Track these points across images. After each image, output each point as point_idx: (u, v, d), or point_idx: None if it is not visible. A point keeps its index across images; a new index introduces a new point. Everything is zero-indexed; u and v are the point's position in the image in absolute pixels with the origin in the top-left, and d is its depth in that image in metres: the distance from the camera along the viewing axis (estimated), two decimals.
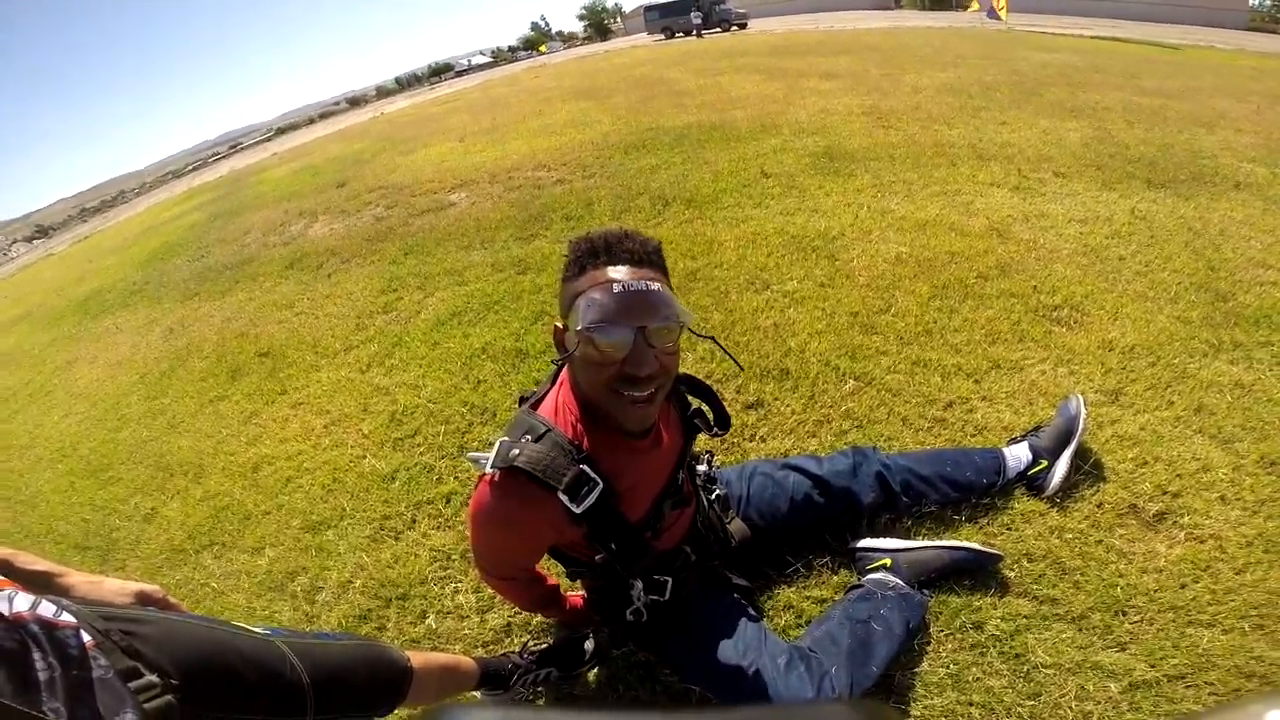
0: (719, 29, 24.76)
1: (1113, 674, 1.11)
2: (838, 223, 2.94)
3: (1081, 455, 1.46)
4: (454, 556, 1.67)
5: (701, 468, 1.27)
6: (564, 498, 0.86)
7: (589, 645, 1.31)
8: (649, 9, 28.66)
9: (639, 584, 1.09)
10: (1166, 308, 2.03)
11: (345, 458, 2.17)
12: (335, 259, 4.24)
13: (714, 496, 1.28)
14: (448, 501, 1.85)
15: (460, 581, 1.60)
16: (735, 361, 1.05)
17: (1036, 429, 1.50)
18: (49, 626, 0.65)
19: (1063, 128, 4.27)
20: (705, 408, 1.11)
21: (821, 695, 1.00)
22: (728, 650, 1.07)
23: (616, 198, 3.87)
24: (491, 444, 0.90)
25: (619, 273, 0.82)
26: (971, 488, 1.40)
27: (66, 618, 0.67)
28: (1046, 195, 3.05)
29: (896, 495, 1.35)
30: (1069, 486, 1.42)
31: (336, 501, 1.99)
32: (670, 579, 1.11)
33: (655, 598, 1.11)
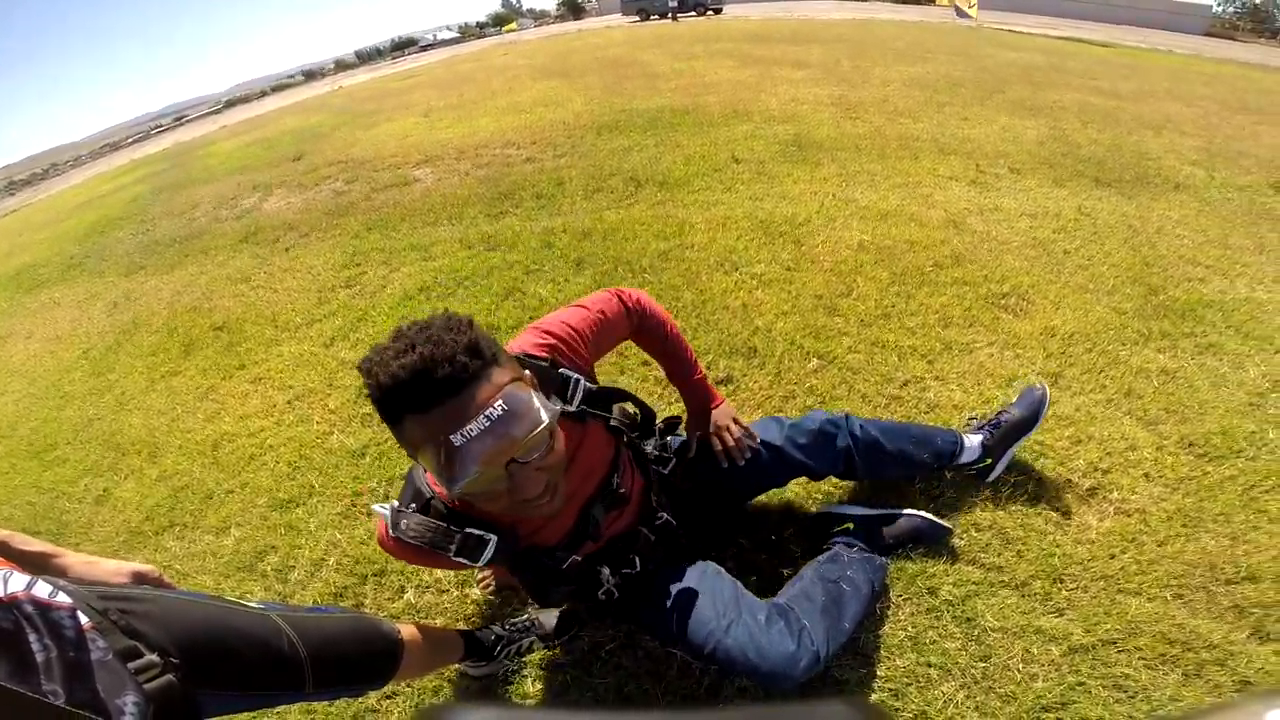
0: (694, 13, 24.60)
1: (1054, 638, 1.19)
2: (804, 209, 3.01)
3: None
4: None
5: (650, 444, 1.23)
6: (459, 559, 0.85)
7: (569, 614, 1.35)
8: None
9: (605, 570, 1.09)
10: (1104, 299, 2.17)
11: (311, 434, 2.13)
12: (293, 233, 4.10)
13: (667, 470, 1.26)
14: None
15: None
16: (646, 408, 1.09)
17: (998, 417, 1.48)
18: (44, 607, 0.64)
19: (1021, 125, 4.44)
20: (630, 406, 1.10)
21: (801, 649, 1.01)
22: (705, 611, 1.07)
23: (589, 177, 3.86)
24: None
25: (447, 421, 0.68)
26: (924, 467, 1.44)
27: (62, 598, 0.67)
28: (1001, 190, 3.19)
29: (857, 468, 1.35)
30: (1012, 461, 1.51)
31: (304, 479, 1.95)
32: (636, 556, 1.13)
33: (626, 571, 1.12)
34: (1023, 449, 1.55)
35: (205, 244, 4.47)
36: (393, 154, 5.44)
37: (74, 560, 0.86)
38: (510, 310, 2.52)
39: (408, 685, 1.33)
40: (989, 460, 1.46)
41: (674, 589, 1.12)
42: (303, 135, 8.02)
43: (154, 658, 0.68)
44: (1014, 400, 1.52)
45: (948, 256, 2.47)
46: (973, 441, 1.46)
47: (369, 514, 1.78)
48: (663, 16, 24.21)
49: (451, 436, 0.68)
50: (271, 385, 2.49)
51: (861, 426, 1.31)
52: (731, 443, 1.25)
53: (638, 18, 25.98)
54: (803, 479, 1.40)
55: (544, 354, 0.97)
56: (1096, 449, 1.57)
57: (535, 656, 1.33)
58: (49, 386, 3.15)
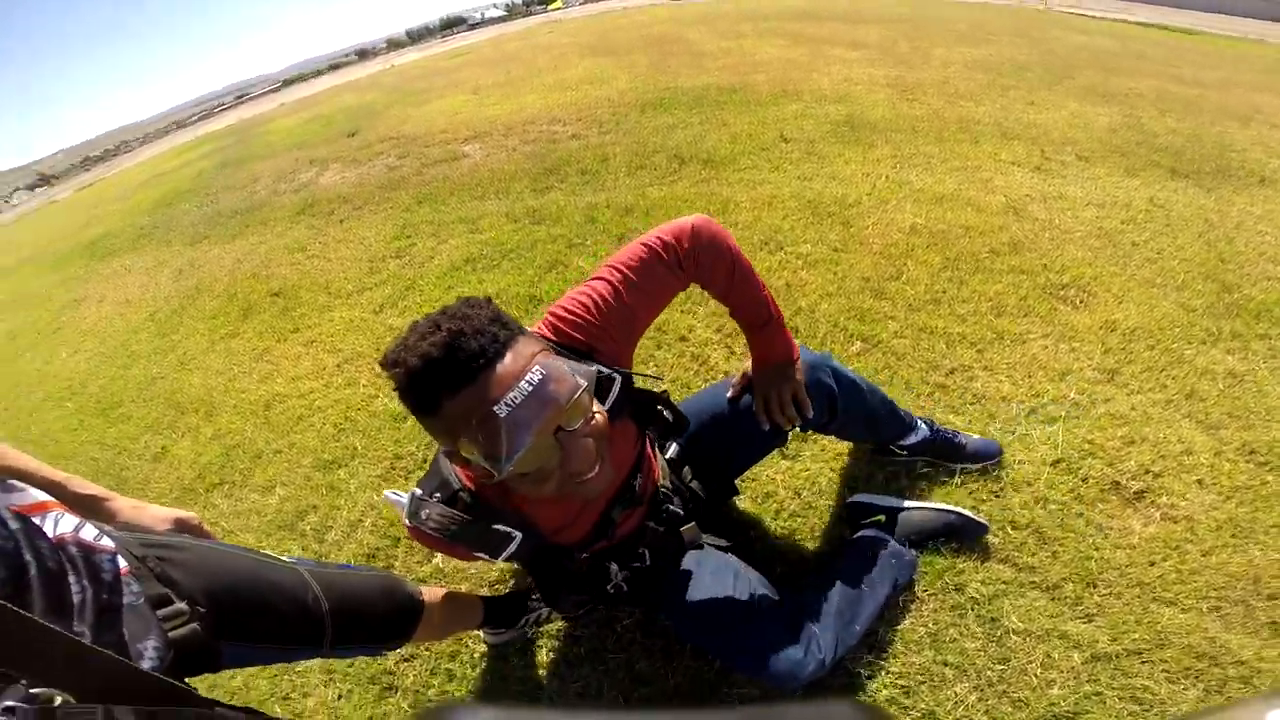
0: None
1: (1078, 644, 1.15)
2: (855, 190, 2.92)
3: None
4: None
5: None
6: (479, 554, 0.85)
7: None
8: None
9: (614, 565, 1.08)
10: (1172, 294, 2.04)
11: (358, 396, 2.21)
12: (347, 206, 4.23)
13: (668, 456, 1.20)
14: None
15: None
16: (680, 415, 0.96)
17: (954, 434, 1.45)
18: (88, 550, 0.68)
19: (1092, 112, 4.16)
20: (662, 409, 1.02)
21: (808, 657, 1.01)
22: (719, 615, 1.06)
23: (633, 154, 3.83)
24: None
25: (489, 391, 0.66)
26: (880, 437, 1.41)
27: (106, 542, 0.70)
28: (1067, 178, 3.01)
29: (837, 415, 1.18)
30: (1056, 460, 1.47)
31: (348, 440, 2.03)
32: (645, 550, 1.11)
33: (636, 565, 1.11)
34: (1070, 446, 1.50)
35: (265, 215, 4.67)
36: (443, 130, 5.51)
37: (123, 505, 0.91)
38: (553, 282, 2.55)
39: (426, 649, 1.37)
40: (904, 452, 1.43)
41: (690, 588, 1.09)
42: (357, 112, 8.17)
43: (182, 606, 0.71)
44: (977, 435, 1.49)
45: (1005, 244, 2.36)
46: (920, 431, 1.41)
47: (406, 477, 1.84)
48: None
49: (495, 408, 0.65)
50: (323, 349, 2.59)
51: (847, 374, 1.19)
52: (775, 417, 1.10)
53: None
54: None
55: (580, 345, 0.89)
56: (1150, 451, 1.49)
57: (552, 627, 1.36)
58: (118, 346, 3.36)
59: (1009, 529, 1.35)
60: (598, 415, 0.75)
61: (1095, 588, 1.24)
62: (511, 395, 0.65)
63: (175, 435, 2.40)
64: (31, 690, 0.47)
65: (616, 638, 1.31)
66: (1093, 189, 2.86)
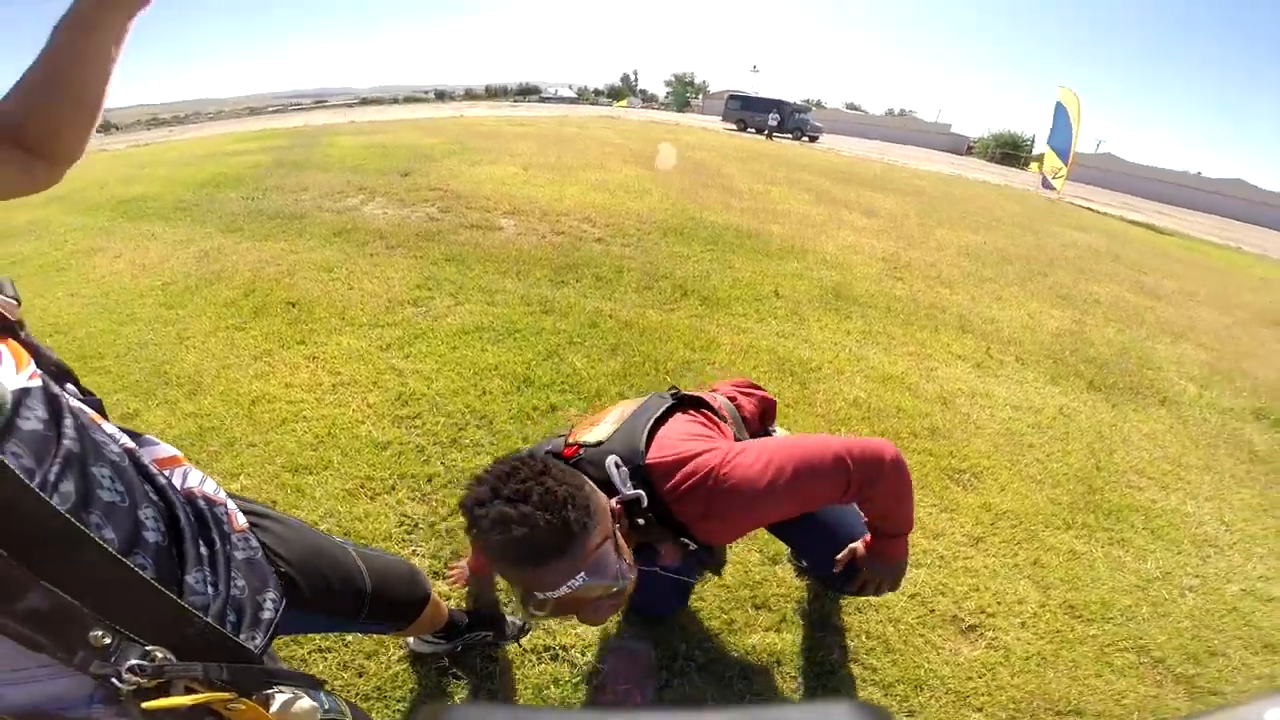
0: (790, 135, 25.94)
1: None
2: (819, 356, 3.30)
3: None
4: (421, 526, 1.87)
5: None
6: None
7: (520, 621, 1.56)
8: (732, 98, 29.70)
9: None
10: (1047, 490, 2.42)
11: (345, 417, 2.37)
12: (381, 242, 4.50)
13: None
14: (430, 480, 2.06)
15: (420, 547, 1.80)
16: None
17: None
18: (210, 502, 0.72)
19: (1047, 314, 4.65)
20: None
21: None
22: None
23: (644, 274, 4.22)
24: None
25: (531, 583, 0.78)
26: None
27: (222, 495, 0.75)
28: (1001, 377, 3.42)
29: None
30: (914, 594, 1.82)
31: (325, 453, 2.16)
32: None
33: None
34: (929, 586, 1.86)
35: (303, 226, 4.90)
36: (487, 196, 5.94)
37: None
38: (545, 370, 2.81)
39: (345, 644, 1.50)
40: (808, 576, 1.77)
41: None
42: (416, 153, 8.68)
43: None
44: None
45: (926, 429, 2.72)
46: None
47: (372, 499, 2.02)
48: (759, 131, 25.40)
49: (534, 592, 0.79)
50: (323, 367, 2.76)
51: None
52: (868, 592, 1.25)
53: (735, 127, 27.40)
54: None
55: (695, 519, 0.99)
56: (990, 597, 1.85)
57: (475, 653, 1.50)
58: (119, 303, 3.39)
59: (864, 637, 1.67)
60: (618, 594, 0.86)
61: (921, 690, 1.53)
62: (549, 594, 0.78)
63: (151, 403, 2.40)
64: (147, 648, 0.53)
65: (532, 664, 1.50)
66: (1016, 391, 3.27)
